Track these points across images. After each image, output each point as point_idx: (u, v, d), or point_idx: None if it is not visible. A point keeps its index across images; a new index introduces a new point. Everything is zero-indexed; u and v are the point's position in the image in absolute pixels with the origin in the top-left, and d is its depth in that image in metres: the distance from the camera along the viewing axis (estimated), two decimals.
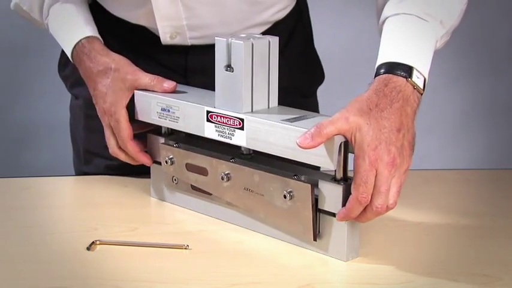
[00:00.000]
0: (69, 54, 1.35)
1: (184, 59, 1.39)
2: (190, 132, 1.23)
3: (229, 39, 1.15)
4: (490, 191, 1.40)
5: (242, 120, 1.15)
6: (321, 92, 1.55)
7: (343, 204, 1.08)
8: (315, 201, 1.10)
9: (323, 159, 1.07)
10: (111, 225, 1.21)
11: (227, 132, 1.17)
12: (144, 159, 1.30)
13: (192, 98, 1.24)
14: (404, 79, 1.11)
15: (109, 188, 1.37)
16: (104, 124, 1.31)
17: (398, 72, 1.11)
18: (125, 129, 1.28)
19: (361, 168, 1.05)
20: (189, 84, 1.33)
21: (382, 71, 1.12)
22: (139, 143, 1.30)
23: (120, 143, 1.30)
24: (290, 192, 1.12)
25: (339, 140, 1.06)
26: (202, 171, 1.22)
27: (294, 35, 1.45)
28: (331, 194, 1.09)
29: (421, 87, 1.12)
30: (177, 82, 1.30)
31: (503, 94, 2.86)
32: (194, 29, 1.34)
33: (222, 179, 1.19)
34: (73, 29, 1.35)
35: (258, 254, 1.13)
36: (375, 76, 1.13)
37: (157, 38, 1.36)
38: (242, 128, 1.15)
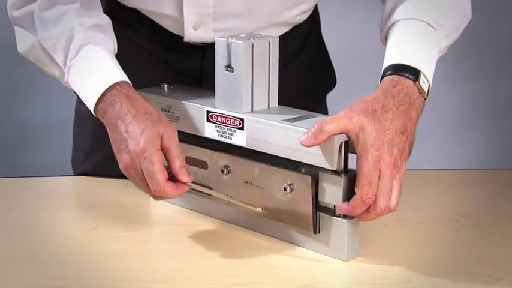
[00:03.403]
0: (98, 95, 1.18)
1: (200, 63, 1.36)
2: (191, 133, 1.23)
3: (229, 39, 1.15)
4: (490, 191, 1.40)
5: (242, 120, 1.15)
6: (328, 96, 1.55)
7: (344, 197, 1.08)
8: (315, 194, 1.10)
9: (323, 159, 1.07)
10: (111, 225, 1.21)
11: (227, 132, 1.17)
12: (183, 187, 1.14)
13: (192, 98, 1.24)
14: (412, 82, 1.11)
15: (109, 188, 1.37)
16: (133, 172, 1.14)
17: (406, 75, 1.12)
18: (159, 171, 1.12)
19: (364, 169, 1.05)
20: (203, 89, 1.32)
21: (390, 72, 1.13)
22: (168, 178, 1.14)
23: (156, 187, 1.12)
24: (290, 184, 1.12)
25: (339, 140, 1.06)
26: (202, 165, 1.22)
27: (308, 40, 1.44)
28: (331, 186, 1.09)
29: (426, 92, 1.13)
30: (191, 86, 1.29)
31: (503, 94, 2.86)
32: (219, 19, 1.30)
33: (222, 172, 1.19)
34: (109, 71, 1.21)
35: (257, 253, 1.13)
36: (382, 77, 1.13)
37: (174, 38, 1.33)
38: (242, 128, 1.15)
